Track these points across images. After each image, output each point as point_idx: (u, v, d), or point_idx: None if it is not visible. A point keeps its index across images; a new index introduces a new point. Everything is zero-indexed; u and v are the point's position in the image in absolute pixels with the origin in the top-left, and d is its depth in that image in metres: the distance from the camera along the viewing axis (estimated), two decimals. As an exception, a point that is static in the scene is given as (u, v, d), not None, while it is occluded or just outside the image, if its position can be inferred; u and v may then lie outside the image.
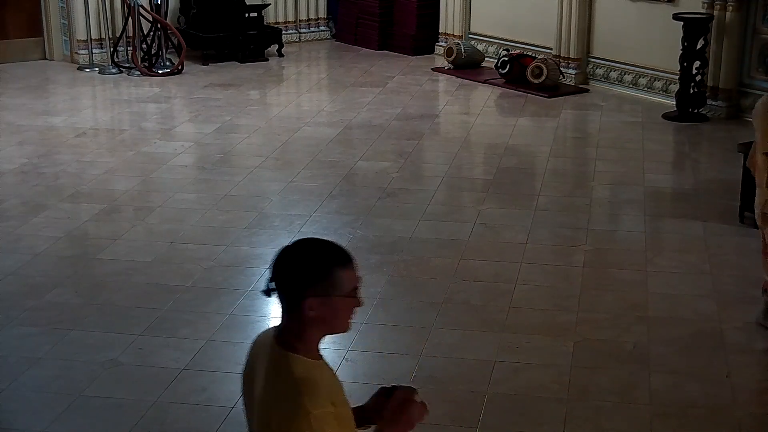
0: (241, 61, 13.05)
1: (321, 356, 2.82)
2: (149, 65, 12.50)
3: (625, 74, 11.58)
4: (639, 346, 5.86)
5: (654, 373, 5.56)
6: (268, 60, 13.28)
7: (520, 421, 5.12)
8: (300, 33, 14.53)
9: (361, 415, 2.93)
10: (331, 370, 2.85)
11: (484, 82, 12.10)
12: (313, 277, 2.68)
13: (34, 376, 5.43)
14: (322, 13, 14.72)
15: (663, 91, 11.12)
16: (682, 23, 10.37)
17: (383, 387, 2.97)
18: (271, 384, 2.74)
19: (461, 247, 7.27)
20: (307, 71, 13.41)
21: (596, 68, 11.89)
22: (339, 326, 2.80)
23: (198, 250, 7.21)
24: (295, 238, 2.96)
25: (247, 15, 13.26)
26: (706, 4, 10.54)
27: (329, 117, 10.75)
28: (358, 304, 2.77)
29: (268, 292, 2.75)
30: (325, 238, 2.86)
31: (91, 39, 12.74)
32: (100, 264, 6.80)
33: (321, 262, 2.70)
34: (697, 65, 10.44)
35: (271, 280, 2.75)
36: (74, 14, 12.80)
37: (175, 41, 12.62)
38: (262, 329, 6.30)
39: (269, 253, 7.13)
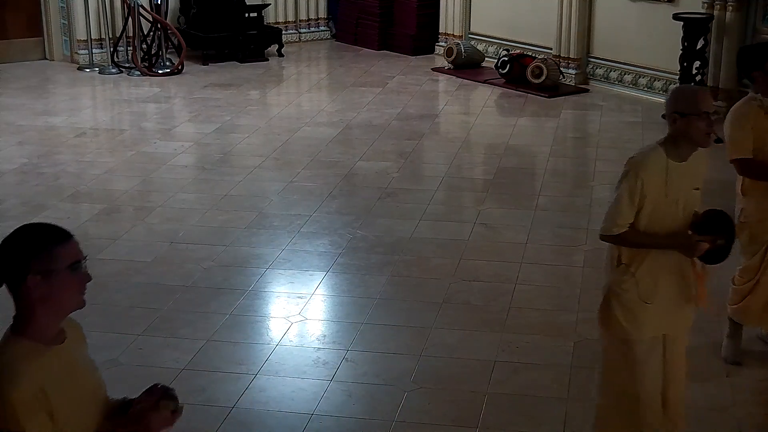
0: (241, 61, 13.05)
1: (61, 341, 2.82)
2: (149, 65, 12.50)
3: (625, 74, 11.58)
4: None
5: (654, 373, 5.55)
6: (268, 60, 13.29)
7: (520, 421, 5.12)
8: (300, 33, 14.53)
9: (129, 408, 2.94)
10: (74, 359, 2.84)
11: (484, 82, 12.10)
12: (29, 258, 2.71)
13: (34, 376, 5.44)
14: (322, 13, 14.72)
15: (663, 91, 11.12)
16: (682, 23, 10.37)
17: (154, 385, 2.97)
18: None
19: (461, 247, 7.27)
20: (307, 71, 13.41)
21: (596, 68, 11.89)
22: (68, 303, 2.81)
23: (198, 250, 7.21)
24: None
25: (247, 15, 13.26)
26: (706, 4, 10.54)
27: (329, 117, 10.75)
28: (84, 278, 2.80)
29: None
30: (47, 222, 2.90)
31: (91, 39, 12.74)
32: (100, 264, 6.80)
33: (35, 242, 2.73)
34: (697, 65, 10.44)
35: None
36: (74, 14, 12.80)
37: (175, 41, 12.62)
38: (263, 329, 6.33)
39: (269, 253, 7.14)
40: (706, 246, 4.19)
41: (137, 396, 2.95)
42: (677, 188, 4.23)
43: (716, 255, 4.31)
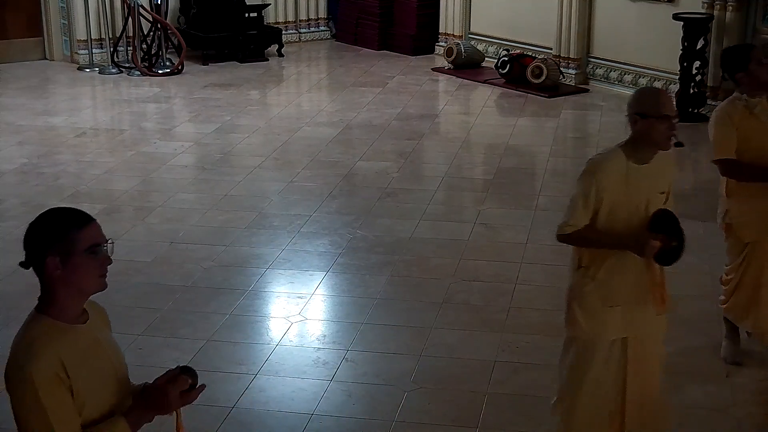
0: (241, 61, 13.05)
1: (84, 320, 2.91)
2: (149, 65, 12.50)
3: (625, 74, 11.58)
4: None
5: (654, 373, 5.55)
6: (268, 60, 13.29)
7: (520, 421, 5.12)
8: (300, 33, 14.53)
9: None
10: (96, 339, 2.93)
11: (484, 82, 12.10)
12: (49, 239, 2.84)
13: (34, 376, 5.44)
14: (322, 13, 14.71)
15: (663, 91, 11.11)
16: (682, 23, 10.37)
17: (181, 365, 3.07)
18: (14, 338, 2.87)
19: (461, 247, 7.27)
20: (307, 71, 13.41)
21: (596, 68, 11.89)
22: (88, 285, 2.89)
23: (198, 250, 7.21)
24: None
25: (247, 15, 13.26)
26: (706, 4, 10.54)
27: (329, 117, 10.75)
28: (104, 261, 2.88)
29: (22, 264, 2.93)
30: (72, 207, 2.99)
31: (91, 39, 12.74)
32: (100, 264, 6.80)
33: (56, 225, 2.87)
34: (697, 65, 10.44)
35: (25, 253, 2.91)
36: (74, 14, 12.80)
37: (175, 41, 12.62)
38: (263, 329, 6.34)
39: (269, 253, 7.14)
40: (657, 245, 4.12)
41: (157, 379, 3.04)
42: (637, 191, 4.19)
43: (669, 256, 4.23)
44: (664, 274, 4.38)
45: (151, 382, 3.09)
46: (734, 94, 5.43)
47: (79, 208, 3.03)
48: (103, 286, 2.92)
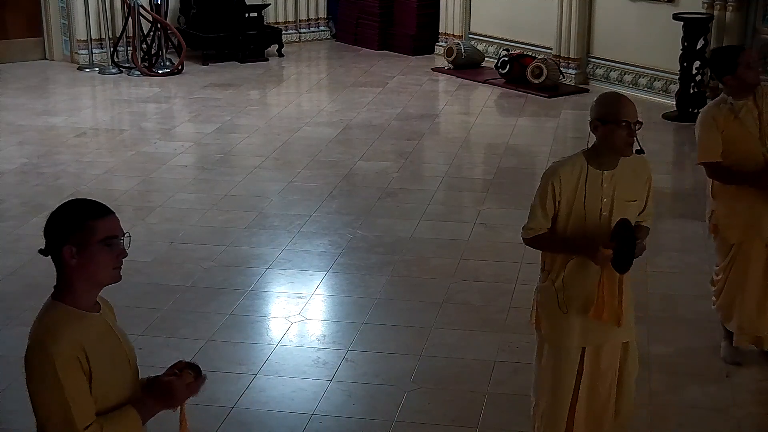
0: (241, 61, 13.05)
1: (97, 310, 2.99)
2: (149, 65, 12.50)
3: (625, 74, 11.58)
4: (639, 346, 5.84)
5: (654, 373, 5.56)
6: (268, 60, 13.29)
7: (520, 421, 5.11)
8: (300, 33, 14.53)
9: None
10: (110, 328, 3.01)
11: (484, 82, 12.10)
12: (67, 230, 2.90)
13: (34, 376, 5.44)
14: (322, 13, 14.72)
15: (663, 91, 11.13)
16: (682, 23, 10.38)
17: (179, 361, 3.17)
18: (33, 325, 2.93)
19: (461, 247, 7.27)
20: (307, 71, 13.41)
21: (596, 68, 11.89)
22: (102, 276, 2.96)
23: (198, 250, 7.21)
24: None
25: (247, 15, 13.26)
26: (706, 4, 10.54)
27: (329, 117, 10.75)
28: (119, 254, 2.96)
29: (42, 251, 2.96)
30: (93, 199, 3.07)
31: (91, 39, 12.74)
32: (100, 264, 6.80)
33: (74, 214, 2.94)
34: (697, 65, 10.44)
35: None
36: (74, 14, 12.80)
37: (175, 41, 12.62)
38: (263, 329, 6.34)
39: (269, 253, 7.14)
40: (609, 253, 4.07)
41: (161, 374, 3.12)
42: (598, 197, 4.13)
43: (621, 263, 4.15)
44: (624, 287, 4.26)
45: (152, 376, 3.15)
46: (720, 96, 5.42)
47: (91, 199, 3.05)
48: (117, 278, 3.00)
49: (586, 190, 4.14)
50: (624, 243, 4.11)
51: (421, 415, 5.17)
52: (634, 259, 4.17)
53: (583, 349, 4.33)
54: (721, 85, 5.49)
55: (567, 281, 4.23)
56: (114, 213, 2.99)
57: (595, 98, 4.29)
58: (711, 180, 5.49)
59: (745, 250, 5.48)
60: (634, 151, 4.15)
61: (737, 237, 5.48)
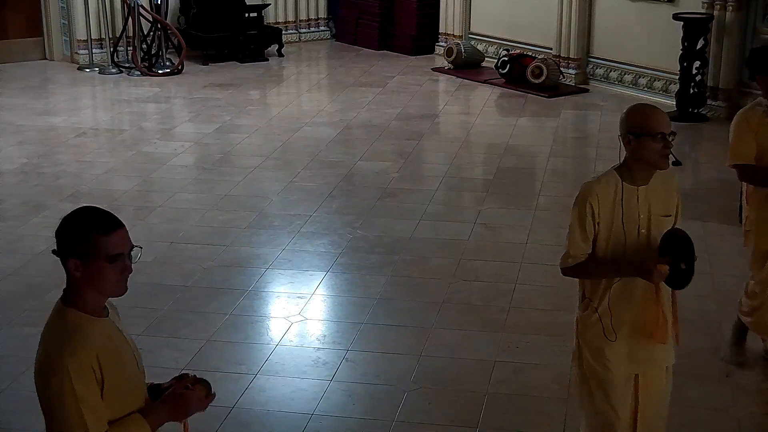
0: (241, 61, 13.05)
1: (105, 315, 3.00)
2: (149, 65, 12.50)
3: (625, 74, 11.58)
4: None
5: (654, 373, 5.55)
6: (268, 60, 13.29)
7: (520, 421, 5.12)
8: (300, 33, 14.53)
9: (158, 393, 3.14)
10: (119, 331, 3.03)
11: (484, 82, 12.10)
12: (73, 241, 2.89)
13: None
14: (322, 13, 14.72)
15: (663, 91, 11.12)
16: (682, 23, 10.37)
17: (184, 373, 3.19)
18: (44, 330, 2.94)
19: (461, 247, 7.27)
20: (307, 71, 13.41)
21: (596, 68, 11.89)
22: (107, 289, 2.96)
23: (198, 250, 7.21)
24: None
25: (247, 15, 13.26)
26: (706, 4, 10.54)
27: (329, 117, 10.75)
28: (125, 269, 2.94)
29: (55, 252, 2.95)
30: (103, 208, 3.02)
31: (91, 39, 12.74)
32: (100, 264, 6.80)
33: (81, 228, 2.90)
34: (697, 65, 10.44)
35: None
36: (74, 14, 12.80)
37: (175, 41, 12.62)
38: (263, 329, 6.33)
39: (269, 253, 7.14)
40: (666, 269, 3.85)
41: (164, 382, 3.15)
42: (635, 214, 3.94)
43: (679, 279, 3.93)
44: (676, 304, 4.09)
45: (158, 383, 3.17)
46: (757, 99, 5.33)
47: (104, 209, 3.03)
48: (122, 292, 2.98)
49: (623, 207, 3.93)
50: (682, 257, 3.89)
51: (421, 415, 5.17)
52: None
53: (635, 377, 4.10)
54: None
55: (612, 306, 3.99)
56: (123, 226, 2.96)
57: (625, 110, 4.05)
58: (745, 184, 5.38)
59: None
60: (670, 164, 3.99)
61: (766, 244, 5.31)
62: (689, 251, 3.92)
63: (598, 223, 3.93)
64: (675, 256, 3.89)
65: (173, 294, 6.53)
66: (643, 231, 3.96)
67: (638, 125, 3.91)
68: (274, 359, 5.72)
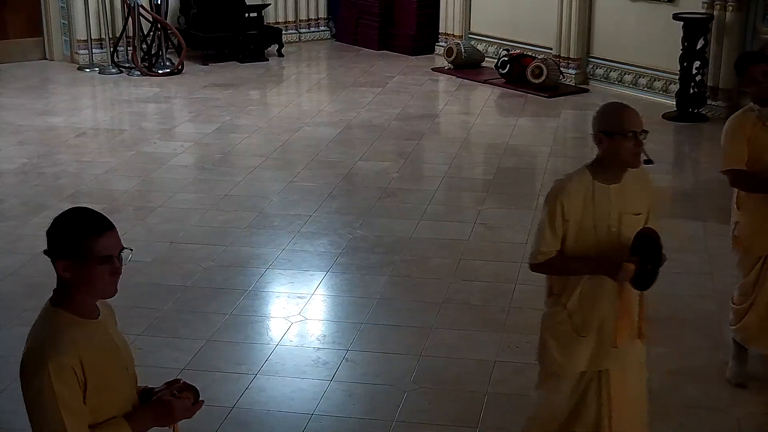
0: (241, 61, 13.05)
1: (96, 317, 2.98)
2: (149, 65, 12.50)
3: (625, 74, 11.58)
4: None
5: (654, 373, 5.55)
6: (268, 60, 13.29)
7: (520, 421, 5.09)
8: (300, 33, 14.53)
9: (150, 397, 3.12)
10: (109, 334, 3.01)
11: (484, 82, 12.10)
12: (63, 242, 2.87)
13: (34, 376, 5.44)
14: (322, 13, 14.72)
15: (663, 91, 11.12)
16: (682, 23, 10.38)
17: (176, 379, 3.19)
18: (31, 330, 2.94)
19: (461, 247, 7.27)
20: (307, 71, 13.41)
21: (596, 68, 11.89)
22: (97, 291, 2.94)
23: (198, 250, 7.21)
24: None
25: (247, 15, 13.26)
26: (706, 4, 10.54)
27: (329, 117, 10.75)
28: (114, 271, 2.93)
29: (45, 252, 2.93)
30: (93, 209, 3.00)
31: (91, 39, 12.74)
32: (100, 264, 6.80)
33: (72, 229, 2.88)
34: (697, 65, 10.44)
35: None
36: (74, 14, 12.80)
37: (175, 41, 12.62)
38: (263, 329, 6.33)
39: (269, 253, 7.14)
40: (632, 269, 3.87)
41: (157, 386, 3.12)
42: (606, 212, 3.96)
43: (644, 279, 3.95)
44: (644, 302, 4.11)
45: (151, 386, 3.15)
46: (749, 104, 5.28)
47: (95, 210, 3.02)
48: (112, 294, 2.96)
49: (594, 206, 3.96)
50: (648, 258, 3.91)
51: (421, 415, 5.17)
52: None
53: (600, 374, 4.12)
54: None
55: (580, 303, 4.03)
56: (114, 228, 2.94)
57: (597, 110, 4.08)
58: (736, 190, 5.32)
59: None
60: (642, 162, 3.99)
61: (762, 249, 5.26)
62: (656, 253, 3.94)
63: (567, 221, 3.97)
64: (643, 257, 3.91)
65: (173, 294, 6.53)
66: (613, 229, 3.99)
67: (610, 124, 3.94)
68: (274, 359, 5.72)
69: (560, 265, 4.04)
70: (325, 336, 6.05)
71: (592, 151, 4.17)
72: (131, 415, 2.99)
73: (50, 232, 2.90)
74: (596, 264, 3.97)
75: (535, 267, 4.10)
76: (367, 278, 6.79)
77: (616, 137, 3.90)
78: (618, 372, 4.12)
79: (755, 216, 5.25)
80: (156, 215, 7.90)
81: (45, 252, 2.92)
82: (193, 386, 3.14)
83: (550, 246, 4.00)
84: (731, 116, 5.40)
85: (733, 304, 5.51)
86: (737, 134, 5.20)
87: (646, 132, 3.94)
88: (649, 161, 4.00)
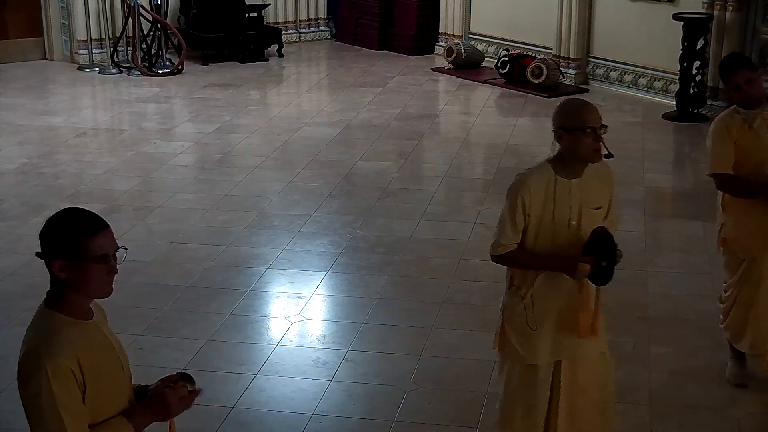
0: (241, 61, 13.05)
1: (90, 318, 2.96)
2: (149, 65, 12.50)
3: (625, 74, 11.58)
4: (639, 346, 5.86)
5: (654, 373, 5.56)
6: (268, 60, 13.29)
7: (520, 421, 5.11)
8: (300, 33, 14.53)
9: (145, 394, 3.11)
10: (103, 334, 2.99)
11: (484, 82, 12.10)
12: (58, 242, 2.86)
13: (34, 376, 5.43)
14: (322, 13, 14.72)
15: (663, 91, 11.13)
16: (682, 23, 10.38)
17: (181, 372, 3.16)
18: (26, 332, 2.94)
19: (461, 247, 7.27)
20: (307, 71, 13.41)
21: (596, 68, 11.89)
22: (92, 290, 2.93)
23: (198, 250, 7.21)
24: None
25: (247, 15, 13.26)
26: (706, 4, 10.54)
27: (329, 117, 10.75)
28: (110, 270, 2.91)
29: (39, 254, 2.92)
30: (87, 209, 3.00)
31: (91, 39, 12.74)
32: (100, 264, 6.79)
33: (66, 229, 2.87)
34: (697, 65, 10.45)
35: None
36: (74, 14, 12.80)
37: (175, 41, 12.63)
38: (263, 329, 6.33)
39: (269, 253, 7.14)
40: (587, 267, 3.98)
41: (153, 384, 3.11)
42: (566, 206, 4.04)
43: (600, 276, 4.05)
44: (599, 299, 4.17)
45: (145, 384, 3.14)
46: (733, 106, 5.22)
47: (89, 209, 3.01)
48: (108, 293, 2.95)
49: (555, 200, 4.03)
50: (604, 256, 4.00)
51: (421, 415, 5.17)
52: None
53: (558, 365, 4.20)
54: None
55: (536, 296, 4.13)
56: (108, 227, 2.92)
57: (556, 106, 4.14)
58: (721, 192, 5.33)
59: (758, 265, 5.25)
60: (603, 156, 4.04)
61: (748, 252, 5.27)
62: (611, 250, 4.03)
63: (528, 215, 4.05)
64: (598, 255, 4.00)
65: (173, 294, 6.53)
66: (574, 223, 4.07)
67: (569, 120, 4.01)
68: (274, 359, 5.72)
69: (520, 259, 4.13)
70: (325, 336, 6.05)
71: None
72: (129, 413, 2.98)
73: (44, 233, 2.89)
74: (555, 261, 4.07)
75: (495, 258, 4.22)
76: (367, 278, 6.79)
77: (576, 133, 3.98)
78: (569, 363, 4.21)
79: (740, 218, 5.25)
80: (156, 215, 7.90)
81: (38, 254, 2.91)
82: (188, 374, 3.12)
83: (510, 239, 4.10)
84: (716, 118, 5.35)
85: (721, 303, 5.54)
86: (724, 136, 5.16)
87: (605, 127, 4.02)
88: (609, 155, 4.07)
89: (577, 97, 4.39)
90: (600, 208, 4.13)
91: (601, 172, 4.13)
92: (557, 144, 4.08)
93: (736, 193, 5.24)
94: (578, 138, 3.97)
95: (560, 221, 4.06)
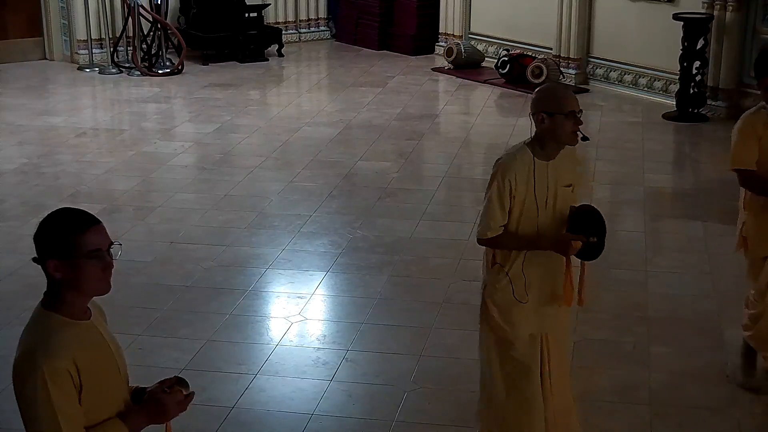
0: (241, 61, 13.05)
1: (88, 318, 2.96)
2: (149, 65, 12.50)
3: (625, 74, 11.58)
4: (639, 346, 5.86)
5: (654, 373, 5.56)
6: (268, 60, 13.28)
7: (520, 421, 5.11)
8: (300, 33, 14.53)
9: (143, 397, 3.10)
10: (101, 334, 2.99)
11: (484, 82, 12.10)
12: (51, 242, 2.86)
13: (34, 376, 5.43)
14: (322, 13, 14.72)
15: (663, 91, 11.13)
16: (682, 23, 10.37)
17: (177, 376, 3.15)
18: (22, 334, 2.93)
19: (461, 247, 7.26)
20: (307, 71, 13.41)
21: (596, 68, 11.89)
22: (90, 288, 2.93)
23: (198, 250, 7.21)
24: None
25: (247, 15, 13.26)
26: (706, 4, 10.54)
27: (329, 117, 10.75)
28: (107, 266, 2.90)
29: (35, 259, 2.92)
30: (80, 208, 3.01)
31: (91, 39, 12.73)
32: (100, 264, 6.79)
33: (57, 228, 2.88)
34: (697, 65, 10.44)
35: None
36: (74, 14, 12.79)
37: (175, 41, 12.63)
38: (263, 329, 6.33)
39: (269, 253, 7.14)
40: (578, 245, 4.16)
41: (149, 386, 3.10)
42: (544, 187, 4.23)
43: (591, 252, 4.25)
44: (585, 271, 4.39)
45: (142, 386, 3.14)
46: (761, 103, 5.17)
47: (80, 208, 3.02)
48: (106, 290, 2.94)
49: (535, 182, 4.23)
50: (593, 231, 4.21)
51: (421, 415, 5.17)
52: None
53: (544, 338, 4.33)
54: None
55: (522, 272, 4.26)
56: (100, 223, 2.93)
57: (536, 91, 4.37)
58: (744, 190, 5.26)
59: None
60: (579, 140, 4.24)
61: (765, 251, 5.20)
62: (600, 225, 4.25)
63: (513, 197, 4.23)
64: (587, 232, 4.20)
65: (173, 294, 6.53)
66: (550, 202, 4.25)
67: (551, 105, 4.23)
68: (274, 359, 5.72)
69: (509, 241, 4.26)
70: (325, 336, 6.05)
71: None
72: (125, 415, 2.98)
73: (37, 236, 2.89)
74: (545, 241, 4.21)
75: (482, 242, 4.32)
76: (367, 278, 6.79)
77: (557, 117, 4.19)
78: (553, 335, 4.37)
79: (761, 217, 5.20)
80: (156, 215, 7.90)
81: (34, 259, 2.91)
82: (183, 379, 3.12)
83: (499, 222, 4.23)
84: (743, 114, 5.31)
85: (747, 308, 5.43)
86: (748, 133, 5.13)
87: (582, 111, 4.22)
88: (585, 138, 4.28)
89: (554, 82, 4.57)
90: (570, 185, 4.31)
91: (570, 151, 4.33)
92: (536, 127, 4.30)
93: (757, 191, 5.18)
94: (559, 121, 4.18)
95: (540, 202, 4.23)
